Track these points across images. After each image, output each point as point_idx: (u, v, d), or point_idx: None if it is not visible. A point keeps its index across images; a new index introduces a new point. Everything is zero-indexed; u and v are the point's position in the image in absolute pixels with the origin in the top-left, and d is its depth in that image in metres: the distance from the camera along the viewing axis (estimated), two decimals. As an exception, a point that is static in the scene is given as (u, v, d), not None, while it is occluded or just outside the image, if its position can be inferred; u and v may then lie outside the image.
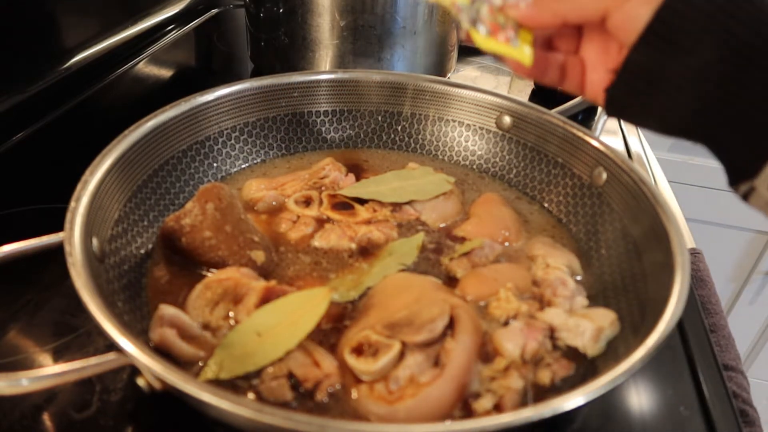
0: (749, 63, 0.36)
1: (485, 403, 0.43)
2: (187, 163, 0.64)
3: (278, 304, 0.48)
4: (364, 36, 0.90)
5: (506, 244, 0.60)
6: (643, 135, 0.99)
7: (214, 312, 0.48)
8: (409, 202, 0.64)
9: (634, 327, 0.48)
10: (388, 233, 0.61)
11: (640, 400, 0.50)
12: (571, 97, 0.76)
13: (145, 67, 1.08)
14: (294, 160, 0.73)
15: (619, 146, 0.92)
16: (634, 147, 0.92)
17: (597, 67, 0.47)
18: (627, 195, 0.58)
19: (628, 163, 0.59)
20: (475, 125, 0.73)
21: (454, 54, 1.03)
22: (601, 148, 0.61)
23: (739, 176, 0.40)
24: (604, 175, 0.61)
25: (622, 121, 0.44)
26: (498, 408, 0.43)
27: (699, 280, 0.67)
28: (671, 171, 1.37)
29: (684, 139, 0.42)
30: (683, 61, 0.38)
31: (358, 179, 0.68)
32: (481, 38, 0.46)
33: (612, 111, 0.45)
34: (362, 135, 0.76)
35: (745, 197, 0.39)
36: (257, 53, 1.01)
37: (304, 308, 0.49)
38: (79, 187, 0.49)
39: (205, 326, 0.48)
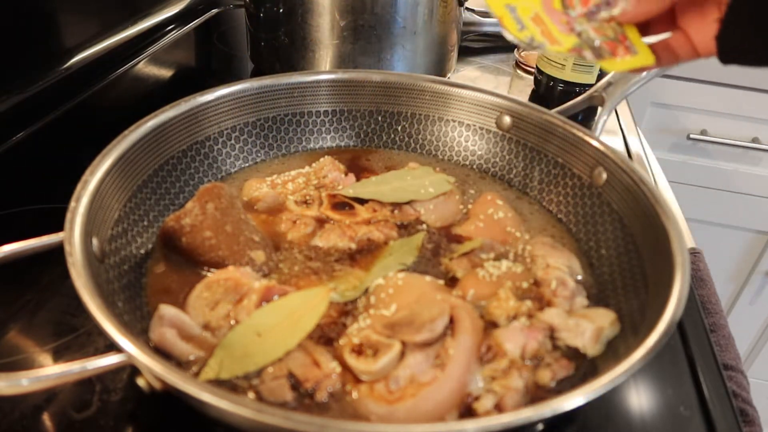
0: None
1: (485, 403, 0.43)
2: (187, 163, 0.64)
3: (278, 304, 0.49)
4: (364, 36, 0.90)
5: (506, 244, 0.60)
6: (642, 135, 0.99)
7: (214, 312, 0.48)
8: (409, 202, 0.64)
9: (634, 327, 0.48)
10: (388, 233, 0.61)
11: (640, 400, 0.50)
12: (571, 97, 0.76)
13: (145, 67, 1.08)
14: (294, 160, 0.73)
15: (619, 146, 0.92)
16: (634, 147, 0.92)
17: (701, 28, 0.47)
18: (627, 195, 0.58)
19: (628, 163, 0.59)
20: (475, 125, 0.73)
21: (454, 54, 1.03)
22: (601, 148, 0.61)
23: None
24: (604, 175, 0.61)
25: (733, 63, 0.45)
26: (498, 408, 0.43)
27: (699, 280, 0.67)
28: (671, 171, 1.37)
29: None
30: None
31: (358, 179, 0.68)
32: (609, 64, 0.48)
33: (728, 57, 0.45)
34: (362, 135, 0.76)
35: None
36: (257, 53, 1.01)
37: (304, 308, 0.49)
38: (79, 187, 0.49)
39: (205, 326, 0.48)
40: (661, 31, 0.50)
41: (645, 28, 0.50)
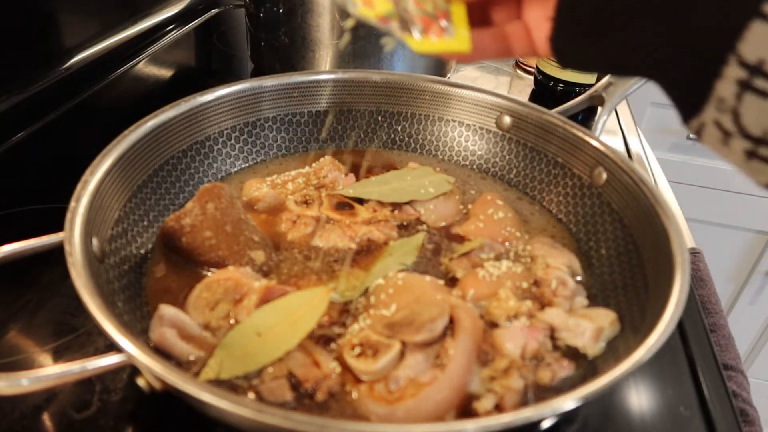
0: None
1: (486, 403, 0.43)
2: (187, 163, 0.64)
3: (278, 304, 0.49)
4: (364, 36, 0.90)
5: (506, 244, 0.60)
6: (642, 135, 0.99)
7: (214, 312, 0.48)
8: (409, 202, 0.64)
9: (634, 327, 0.48)
10: (388, 233, 0.61)
11: (640, 400, 0.50)
12: (571, 97, 0.76)
13: (145, 67, 1.08)
14: (294, 160, 0.73)
15: (619, 146, 0.92)
16: (634, 147, 0.92)
17: (541, 24, 0.44)
18: (627, 195, 0.58)
19: (628, 163, 0.59)
20: (475, 125, 0.73)
21: (454, 54, 1.03)
22: (601, 148, 0.61)
23: (689, 112, 0.37)
24: (604, 175, 0.61)
25: (570, 68, 0.41)
26: (498, 408, 0.43)
27: (699, 280, 0.67)
28: (671, 171, 1.37)
29: (633, 76, 0.40)
30: None
31: (358, 179, 0.68)
32: (416, 43, 0.44)
33: (560, 59, 0.42)
34: (362, 135, 0.76)
35: (698, 135, 0.37)
36: (257, 53, 1.01)
37: (304, 308, 0.49)
38: (79, 187, 0.49)
39: (205, 326, 0.48)
40: (503, 21, 0.46)
41: (484, 15, 0.46)
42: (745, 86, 0.31)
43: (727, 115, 0.33)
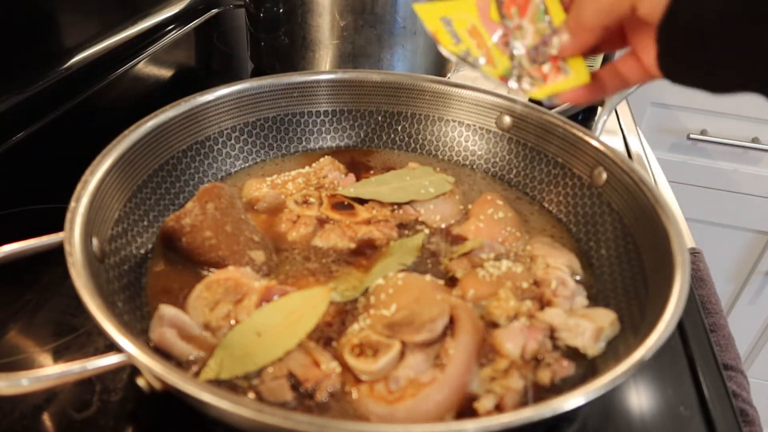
0: None
1: (486, 403, 0.43)
2: (187, 163, 0.64)
3: (278, 304, 0.49)
4: (364, 36, 0.90)
5: (506, 244, 0.60)
6: (642, 135, 0.99)
7: (214, 312, 0.48)
8: (409, 202, 0.64)
9: (634, 327, 0.48)
10: (388, 233, 0.61)
11: (640, 400, 0.50)
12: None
13: (145, 67, 1.08)
14: (294, 160, 0.73)
15: (619, 146, 0.92)
16: (634, 147, 0.92)
17: (647, 48, 0.45)
18: (627, 195, 0.58)
19: (628, 163, 0.59)
20: (475, 125, 0.73)
21: (454, 54, 1.03)
22: (601, 148, 0.61)
23: None
24: (604, 175, 0.61)
25: (687, 86, 0.43)
26: (498, 408, 0.43)
27: (699, 280, 0.67)
28: (671, 171, 1.37)
29: (744, 91, 0.41)
30: (707, 6, 0.37)
31: (358, 179, 0.68)
32: (538, 92, 0.47)
33: (673, 79, 0.44)
34: (362, 135, 0.76)
35: None
36: (257, 53, 1.01)
37: (304, 308, 0.49)
38: (79, 187, 0.49)
39: (205, 326, 0.48)
40: (613, 49, 0.49)
41: (594, 49, 0.48)
42: None
43: None
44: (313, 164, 0.69)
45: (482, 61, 0.47)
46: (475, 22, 0.48)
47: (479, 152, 0.73)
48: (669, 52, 0.42)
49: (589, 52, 0.48)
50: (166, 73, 1.08)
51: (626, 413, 0.49)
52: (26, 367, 0.49)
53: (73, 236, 0.44)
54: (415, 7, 0.50)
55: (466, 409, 0.44)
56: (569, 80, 0.47)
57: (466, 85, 0.73)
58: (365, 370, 0.44)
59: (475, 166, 0.74)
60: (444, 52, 0.48)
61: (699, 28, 0.39)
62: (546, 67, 0.47)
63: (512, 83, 0.47)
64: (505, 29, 0.47)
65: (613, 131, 0.95)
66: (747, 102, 1.33)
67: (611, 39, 0.48)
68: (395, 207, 0.64)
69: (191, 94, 0.64)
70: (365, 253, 0.59)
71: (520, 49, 0.47)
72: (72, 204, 0.47)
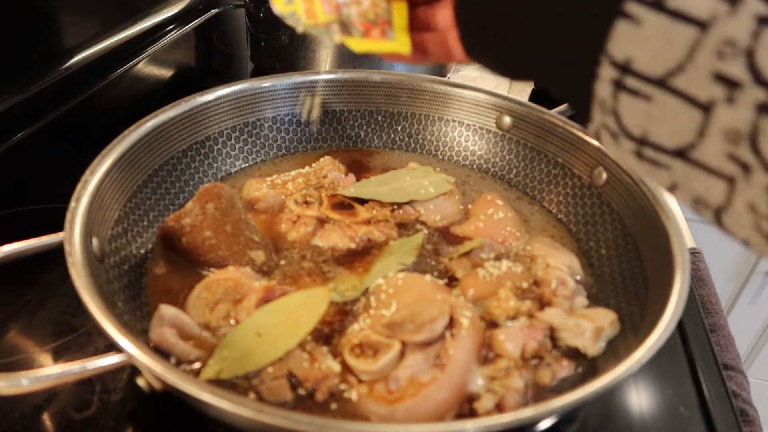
0: None
1: (486, 403, 0.43)
2: (187, 163, 0.64)
3: (278, 304, 0.48)
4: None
5: (506, 244, 0.60)
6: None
7: (214, 312, 0.48)
8: (409, 202, 0.64)
9: (634, 327, 0.48)
10: (388, 233, 0.61)
11: (640, 400, 0.50)
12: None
13: (145, 67, 1.08)
14: (294, 160, 0.73)
15: (619, 146, 0.91)
16: (634, 147, 0.92)
17: (451, 29, 0.46)
18: (627, 195, 0.58)
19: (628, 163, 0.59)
20: (475, 125, 0.73)
21: (454, 54, 1.03)
22: (601, 148, 0.61)
23: (583, 118, 0.37)
24: (604, 175, 0.61)
25: (488, 70, 0.43)
26: (498, 408, 0.43)
27: (699, 280, 0.67)
28: (671, 171, 1.37)
29: (531, 80, 0.41)
30: None
31: (358, 179, 0.68)
32: (355, 43, 0.47)
33: (470, 58, 0.44)
34: (362, 135, 0.76)
35: (598, 139, 0.36)
36: (257, 53, 1.01)
37: (304, 308, 0.49)
38: (79, 187, 0.49)
39: (205, 326, 0.48)
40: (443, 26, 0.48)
41: (427, 19, 0.48)
42: (618, 86, 0.31)
43: (610, 116, 0.33)
44: (313, 164, 0.69)
45: (304, 18, 0.48)
46: None
47: (479, 152, 0.74)
48: (468, 37, 0.42)
49: (419, 18, 0.48)
50: (166, 73, 1.08)
51: (626, 413, 0.49)
52: (26, 367, 0.49)
53: (73, 236, 0.44)
54: None
55: (466, 409, 0.44)
56: (391, 45, 0.47)
57: (466, 85, 0.73)
58: (365, 370, 0.44)
59: (475, 166, 0.74)
60: (275, 10, 0.50)
61: (495, 12, 0.39)
62: (374, 31, 0.47)
63: (334, 28, 0.47)
64: (338, 2, 0.48)
65: (613, 131, 0.95)
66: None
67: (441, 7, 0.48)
68: (395, 207, 0.64)
69: (191, 94, 0.64)
70: (365, 253, 0.59)
71: (351, 7, 0.48)
72: (72, 204, 0.47)
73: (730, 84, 0.27)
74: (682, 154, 0.31)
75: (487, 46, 0.41)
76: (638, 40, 0.30)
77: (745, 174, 0.28)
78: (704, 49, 0.28)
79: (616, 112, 0.33)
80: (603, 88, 0.32)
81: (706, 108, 0.28)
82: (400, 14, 0.47)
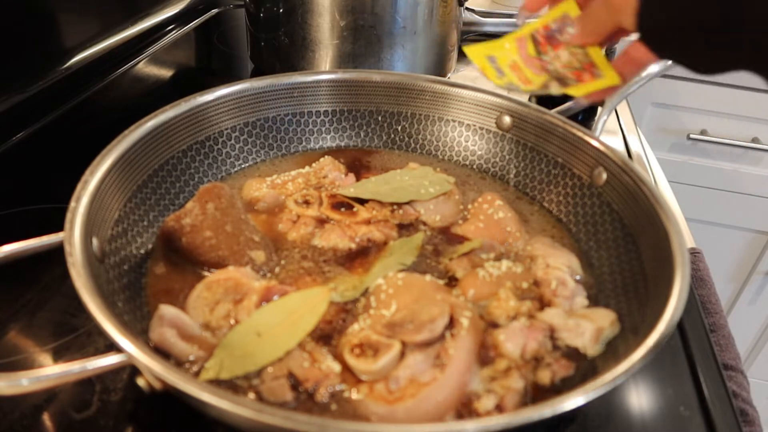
0: None
1: (486, 403, 0.43)
2: (187, 163, 0.64)
3: (278, 304, 0.49)
4: (364, 36, 0.90)
5: (506, 244, 0.60)
6: (642, 135, 0.99)
7: (214, 312, 0.48)
8: (409, 202, 0.64)
9: (634, 327, 0.48)
10: (388, 233, 0.61)
11: (640, 400, 0.50)
12: (571, 97, 0.76)
13: (145, 67, 1.08)
14: (294, 160, 0.73)
15: (619, 146, 0.91)
16: (634, 147, 0.92)
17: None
18: (627, 195, 0.58)
19: (628, 163, 0.59)
20: (475, 125, 0.73)
21: (454, 54, 1.03)
22: (601, 148, 0.61)
23: None
24: (604, 175, 0.61)
25: (678, 64, 0.47)
26: (499, 408, 0.43)
27: (699, 280, 0.67)
28: (671, 171, 1.37)
29: (738, 70, 0.43)
30: None
31: (358, 179, 0.68)
32: (574, 90, 0.52)
33: (661, 54, 0.47)
34: (362, 135, 0.76)
35: None
36: (257, 53, 1.01)
37: (304, 308, 0.49)
38: (79, 187, 0.49)
39: (205, 326, 0.48)
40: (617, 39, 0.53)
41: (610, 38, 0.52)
42: None
43: None
44: (313, 164, 0.69)
45: (522, 85, 0.54)
46: (516, 58, 0.55)
47: (479, 152, 0.73)
48: (649, 26, 0.45)
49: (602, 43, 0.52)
50: (166, 73, 1.08)
51: (626, 413, 0.49)
52: (26, 367, 0.49)
53: (73, 236, 0.44)
54: (465, 49, 0.58)
55: (466, 409, 0.44)
56: (601, 81, 0.51)
57: (466, 85, 0.73)
58: (365, 370, 0.44)
59: (475, 166, 0.74)
60: (490, 83, 0.56)
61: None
62: (585, 75, 0.53)
63: (553, 87, 0.53)
64: (542, 62, 0.53)
65: (613, 131, 0.95)
66: (747, 102, 1.33)
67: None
68: (395, 207, 0.64)
69: (191, 94, 0.64)
70: (365, 253, 0.59)
71: (554, 63, 0.53)
72: (72, 204, 0.47)
73: None
74: None
75: (673, 39, 0.45)
76: None
77: None
78: None
79: None
80: None
81: None
82: (596, 54, 0.51)
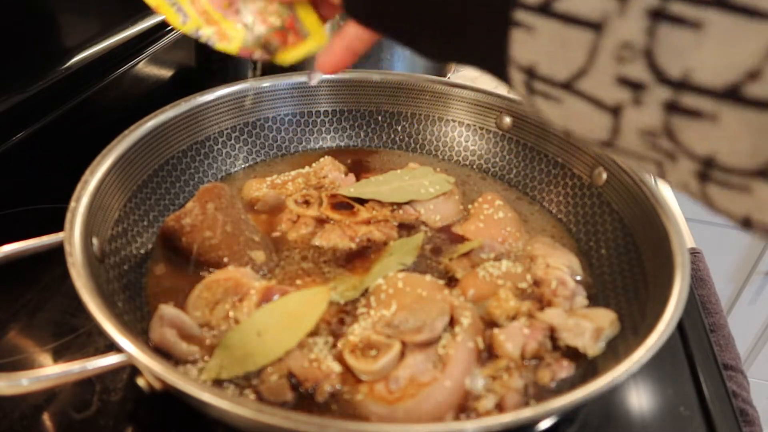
0: None
1: (486, 403, 0.43)
2: (187, 163, 0.64)
3: (278, 304, 0.49)
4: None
5: (506, 244, 0.60)
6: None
7: (214, 312, 0.48)
8: (409, 202, 0.64)
9: (634, 327, 0.48)
10: (388, 233, 0.61)
11: (640, 400, 0.50)
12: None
13: (145, 67, 1.08)
14: (294, 160, 0.73)
15: (619, 146, 0.91)
16: (634, 147, 0.92)
17: None
18: (627, 195, 0.58)
19: (628, 163, 0.59)
20: (475, 125, 0.73)
21: (454, 54, 1.03)
22: (601, 148, 0.61)
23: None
24: (604, 175, 0.61)
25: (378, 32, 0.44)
26: (499, 408, 0.43)
27: (699, 280, 0.67)
28: (671, 171, 1.37)
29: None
30: None
31: (358, 179, 0.68)
32: (281, 57, 0.45)
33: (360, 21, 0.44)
34: (362, 135, 0.76)
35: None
36: (257, 53, 1.00)
37: (304, 308, 0.49)
38: (79, 187, 0.49)
39: (205, 326, 0.48)
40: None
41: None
42: (530, 89, 0.31)
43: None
44: (313, 164, 0.69)
45: (215, 39, 0.46)
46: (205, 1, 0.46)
47: (479, 152, 0.74)
48: None
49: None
50: (166, 73, 1.08)
51: (626, 413, 0.49)
52: (26, 367, 0.48)
53: (73, 236, 0.44)
54: None
55: (466, 409, 0.44)
56: (307, 43, 0.45)
57: (466, 85, 0.73)
58: (365, 370, 0.44)
59: (475, 166, 0.74)
60: (178, 29, 0.47)
61: None
62: (290, 37, 0.45)
63: (257, 55, 0.45)
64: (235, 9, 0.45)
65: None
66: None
67: None
68: (395, 207, 0.64)
69: (191, 94, 0.64)
70: (365, 253, 0.59)
71: (248, 17, 0.45)
72: (72, 204, 0.47)
73: (635, 86, 0.26)
74: (607, 144, 0.30)
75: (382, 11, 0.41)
76: (536, 45, 0.29)
77: (671, 160, 0.28)
78: (604, 53, 0.27)
79: (537, 111, 0.33)
80: (519, 89, 0.32)
81: (614, 111, 0.28)
82: (305, 11, 0.45)
